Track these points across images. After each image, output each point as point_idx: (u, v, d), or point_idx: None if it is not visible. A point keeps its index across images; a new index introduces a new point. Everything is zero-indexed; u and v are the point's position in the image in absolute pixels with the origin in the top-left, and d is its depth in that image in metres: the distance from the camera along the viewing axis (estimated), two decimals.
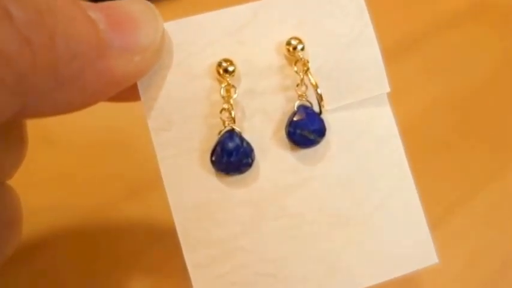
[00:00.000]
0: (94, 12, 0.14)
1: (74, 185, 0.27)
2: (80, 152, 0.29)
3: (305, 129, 0.16)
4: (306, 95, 0.16)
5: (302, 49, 0.16)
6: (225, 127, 0.16)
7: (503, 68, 0.34)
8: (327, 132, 0.16)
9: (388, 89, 0.17)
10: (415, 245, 0.17)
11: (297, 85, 0.16)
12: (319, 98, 0.16)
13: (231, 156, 0.16)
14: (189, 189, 0.16)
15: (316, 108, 0.16)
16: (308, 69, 0.16)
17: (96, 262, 0.24)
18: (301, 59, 0.16)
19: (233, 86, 0.16)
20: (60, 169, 0.28)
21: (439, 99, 0.32)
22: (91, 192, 0.27)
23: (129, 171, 0.28)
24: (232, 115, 0.16)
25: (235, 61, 0.16)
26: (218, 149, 0.16)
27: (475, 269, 0.23)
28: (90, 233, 0.25)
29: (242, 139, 0.16)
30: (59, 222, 0.25)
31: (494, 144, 0.29)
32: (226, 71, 0.16)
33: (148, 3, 0.15)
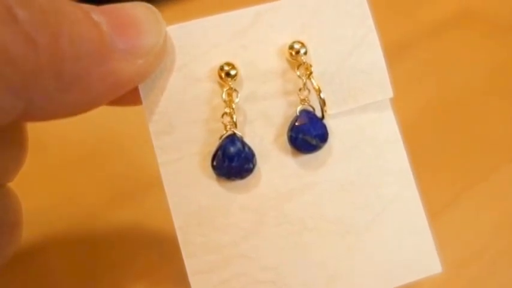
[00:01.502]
0: (97, 15, 0.14)
1: (66, 189, 0.27)
2: (73, 156, 0.29)
3: (307, 134, 0.16)
4: (308, 100, 0.16)
5: (305, 53, 0.16)
6: (226, 131, 0.16)
7: (490, 74, 0.34)
8: (329, 138, 0.16)
9: (391, 94, 0.17)
10: (418, 253, 0.17)
11: (300, 89, 0.16)
12: (322, 103, 0.16)
13: (233, 161, 0.15)
14: (190, 194, 0.16)
15: (318, 113, 0.16)
16: (311, 73, 0.16)
17: (89, 266, 0.24)
18: (303, 63, 0.16)
19: (235, 90, 0.16)
20: (53, 173, 0.28)
21: (426, 106, 0.32)
22: (85, 196, 0.27)
23: (124, 174, 0.28)
24: (234, 119, 0.16)
25: (237, 65, 0.16)
26: (219, 153, 0.16)
27: (465, 270, 0.23)
28: (83, 237, 0.25)
29: (244, 144, 0.16)
30: (52, 226, 0.25)
31: (481, 149, 0.29)
32: (228, 74, 0.16)
33: (151, 6, 0.15)
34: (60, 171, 0.28)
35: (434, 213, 0.25)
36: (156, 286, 0.23)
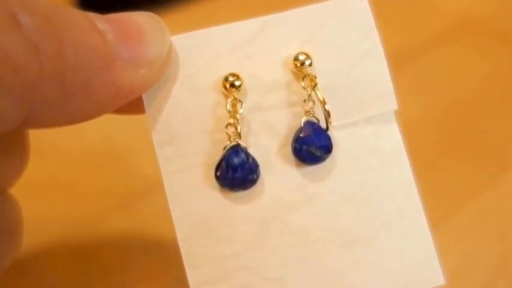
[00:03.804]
0: (102, 23, 0.14)
1: (64, 196, 0.27)
2: (71, 163, 0.29)
3: (311, 146, 0.16)
4: (313, 111, 0.16)
5: (310, 65, 0.16)
6: (230, 142, 0.16)
7: (485, 86, 0.35)
8: (334, 149, 0.16)
9: (396, 107, 0.17)
10: (422, 265, 0.16)
11: (304, 101, 0.16)
12: (327, 115, 0.16)
13: (236, 172, 0.15)
14: (193, 205, 0.16)
15: (323, 125, 0.16)
16: (316, 85, 0.16)
17: (87, 273, 0.24)
18: (308, 74, 0.16)
19: (239, 101, 0.16)
20: (51, 180, 0.28)
21: (421, 117, 0.32)
22: (83, 203, 0.27)
23: (121, 181, 0.28)
24: (238, 130, 0.16)
25: (242, 75, 0.16)
26: (223, 164, 0.15)
27: (461, 283, 0.23)
28: (81, 244, 0.25)
29: (247, 155, 0.16)
30: (49, 233, 0.25)
31: (476, 161, 0.30)
32: (232, 85, 0.16)
33: (156, 16, 0.15)
34: (58, 179, 0.28)
35: (438, 221, 0.25)
36: None
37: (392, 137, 0.17)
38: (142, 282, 0.23)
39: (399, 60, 0.35)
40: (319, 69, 0.16)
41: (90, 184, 0.28)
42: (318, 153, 0.16)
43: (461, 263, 0.24)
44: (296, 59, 0.16)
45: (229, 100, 0.16)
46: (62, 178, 0.28)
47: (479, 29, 0.38)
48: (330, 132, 0.16)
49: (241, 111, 0.16)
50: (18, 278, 0.23)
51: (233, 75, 0.16)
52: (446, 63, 0.36)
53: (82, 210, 0.26)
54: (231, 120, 0.16)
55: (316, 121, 0.16)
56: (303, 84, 0.16)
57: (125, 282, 0.23)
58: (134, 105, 0.16)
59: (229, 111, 0.16)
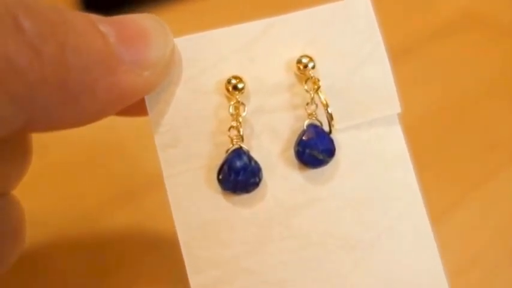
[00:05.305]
0: (104, 26, 0.14)
1: (66, 190, 0.27)
2: (74, 157, 0.29)
3: (314, 149, 0.16)
4: (315, 114, 0.16)
5: (313, 67, 0.16)
6: (232, 145, 0.16)
7: (493, 77, 0.35)
8: (336, 152, 0.16)
9: (399, 110, 0.17)
10: (425, 271, 0.16)
11: (307, 104, 0.16)
12: (330, 118, 0.16)
13: (239, 175, 0.15)
14: (195, 208, 0.16)
15: (326, 128, 0.16)
16: (319, 87, 0.16)
17: (89, 267, 0.24)
18: (311, 77, 0.16)
19: (242, 104, 0.16)
20: (53, 174, 0.28)
21: (429, 108, 0.32)
22: (84, 197, 0.27)
23: (124, 175, 0.28)
24: (241, 133, 0.16)
25: (244, 78, 0.16)
26: (225, 167, 0.15)
27: (464, 276, 0.23)
28: (83, 238, 0.25)
29: (250, 158, 0.16)
30: (50, 227, 0.25)
31: (485, 151, 0.30)
32: (235, 88, 0.16)
33: (159, 18, 0.15)
34: (60, 172, 0.28)
35: (439, 215, 0.25)
36: (156, 286, 0.23)
37: (396, 140, 0.17)
38: (148, 277, 0.23)
39: (405, 51, 0.35)
40: (322, 71, 0.16)
41: (93, 176, 0.28)
42: (321, 157, 0.16)
43: (462, 258, 0.24)
44: (299, 61, 0.16)
45: (232, 103, 0.16)
46: (64, 171, 0.28)
47: (486, 21, 0.38)
48: (333, 136, 0.16)
49: (243, 113, 0.16)
50: (21, 271, 0.23)
51: (236, 77, 0.16)
52: (453, 54, 0.36)
53: (86, 203, 0.26)
54: (234, 123, 0.16)
55: (319, 124, 0.16)
56: (305, 87, 0.16)
57: (129, 275, 0.23)
58: (137, 108, 0.16)
59: (231, 114, 0.16)
